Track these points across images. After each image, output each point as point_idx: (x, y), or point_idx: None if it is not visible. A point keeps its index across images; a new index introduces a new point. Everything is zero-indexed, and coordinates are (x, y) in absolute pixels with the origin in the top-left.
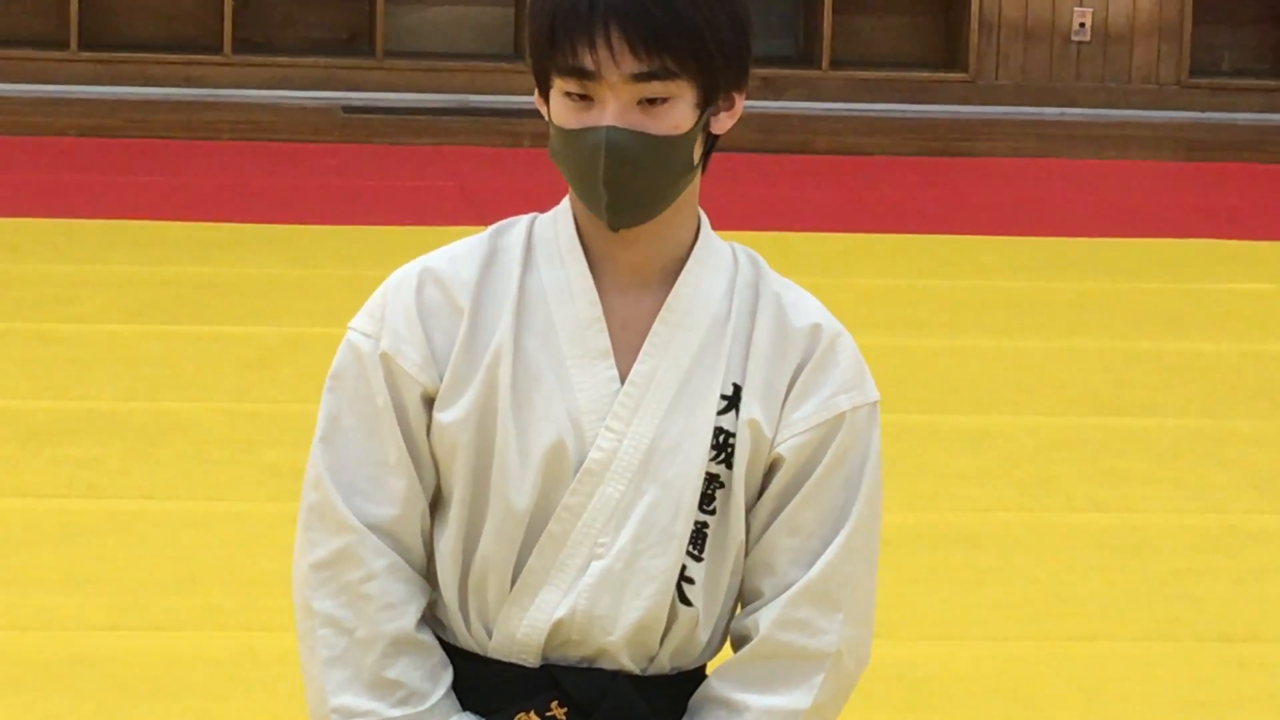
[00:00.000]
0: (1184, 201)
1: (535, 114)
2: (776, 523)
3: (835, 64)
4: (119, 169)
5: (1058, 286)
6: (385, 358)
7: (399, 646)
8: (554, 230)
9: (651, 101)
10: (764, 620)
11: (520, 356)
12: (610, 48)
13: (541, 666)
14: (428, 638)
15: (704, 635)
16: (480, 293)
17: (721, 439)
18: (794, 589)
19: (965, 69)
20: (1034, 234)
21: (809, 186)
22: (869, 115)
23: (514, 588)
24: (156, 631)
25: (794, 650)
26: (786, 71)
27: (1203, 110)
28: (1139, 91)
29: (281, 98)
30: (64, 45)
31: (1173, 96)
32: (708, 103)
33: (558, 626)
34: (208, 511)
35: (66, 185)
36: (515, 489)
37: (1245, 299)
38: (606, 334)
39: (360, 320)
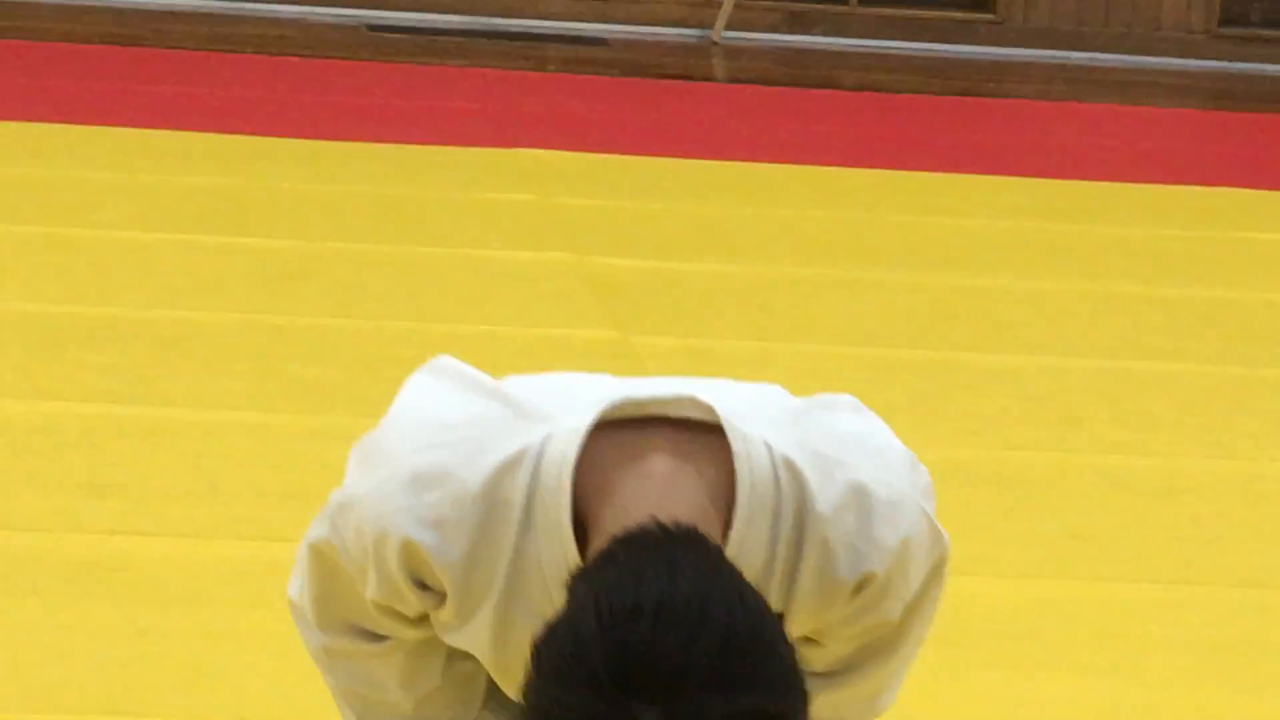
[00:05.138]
0: (1210, 150)
1: (562, 39)
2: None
3: (864, 0)
4: (142, 79)
5: (1084, 230)
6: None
7: None
8: (558, 487)
9: None
10: None
11: (507, 636)
12: None
13: None
14: None
15: None
16: (467, 574)
17: None
18: None
19: (994, 10)
20: (1060, 177)
21: (835, 122)
22: (896, 53)
23: None
24: (176, 539)
25: None
26: (815, 6)
27: (1232, 60)
28: (1168, 39)
29: (306, 13)
30: None
31: (1202, 45)
32: None
33: None
34: (228, 421)
35: (91, 93)
36: None
37: (1271, 248)
38: None
39: (348, 555)
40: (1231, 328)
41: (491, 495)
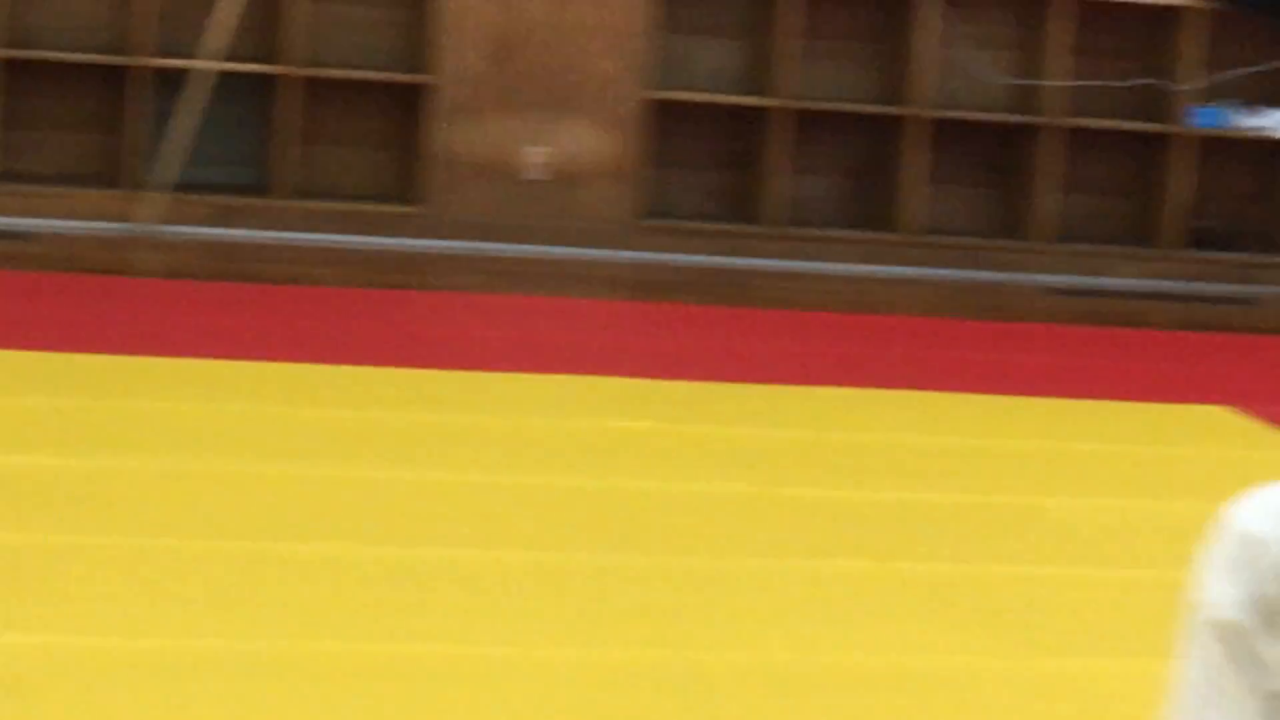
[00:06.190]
0: (623, 339)
1: None
2: None
3: (293, 194)
4: None
5: (458, 419)
6: None
7: None
8: None
9: None
10: None
11: None
12: None
13: None
14: None
15: None
16: None
17: None
18: None
19: (420, 203)
20: (469, 368)
21: (261, 315)
22: (324, 246)
23: None
24: None
25: None
26: (244, 200)
27: (655, 251)
28: (593, 230)
29: None
30: None
31: (626, 236)
32: None
33: None
34: None
35: None
36: None
37: (622, 436)
38: None
39: None
40: (552, 512)
41: None
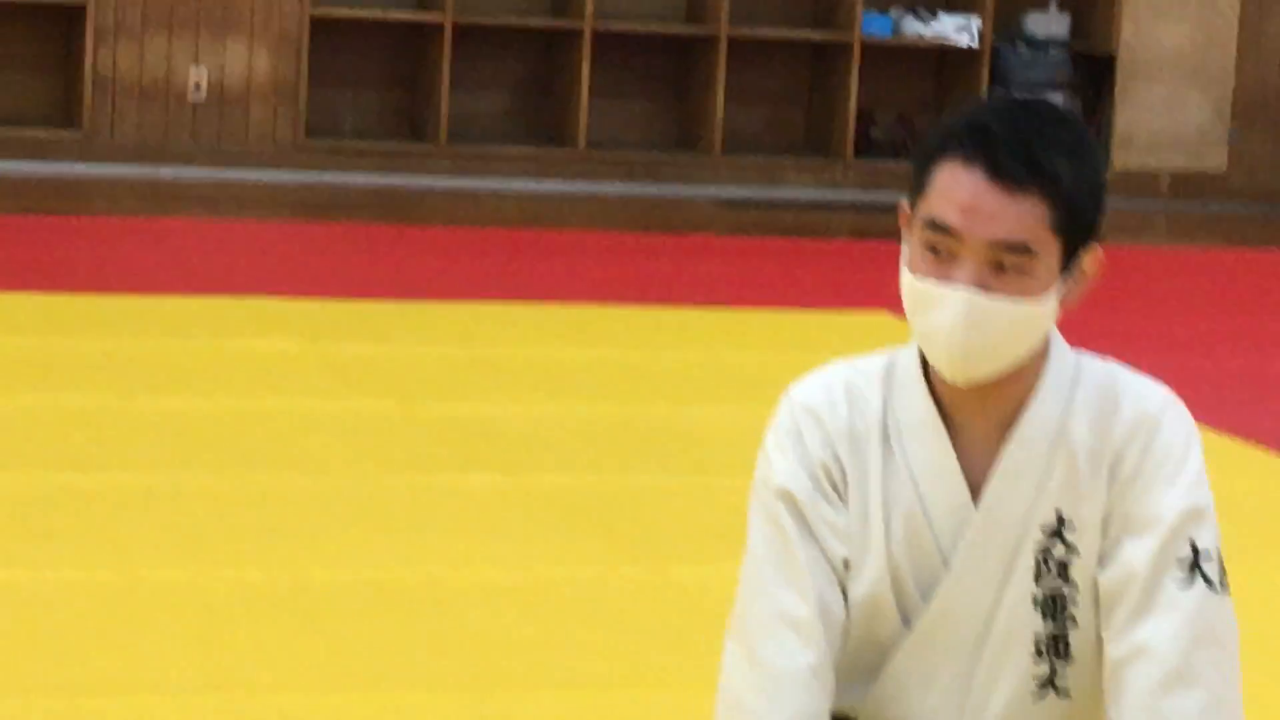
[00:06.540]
0: (281, 259)
1: None
2: None
3: None
4: None
5: (105, 344)
6: None
7: None
8: None
9: None
10: None
11: None
12: None
13: None
14: None
15: None
16: None
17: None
18: None
19: (80, 127)
20: (123, 292)
21: None
22: None
23: None
24: None
25: None
26: None
27: (321, 170)
28: (256, 152)
29: None
30: None
31: (290, 156)
32: None
33: None
34: None
35: None
36: None
37: (267, 357)
38: None
39: None
40: (224, 435)
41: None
